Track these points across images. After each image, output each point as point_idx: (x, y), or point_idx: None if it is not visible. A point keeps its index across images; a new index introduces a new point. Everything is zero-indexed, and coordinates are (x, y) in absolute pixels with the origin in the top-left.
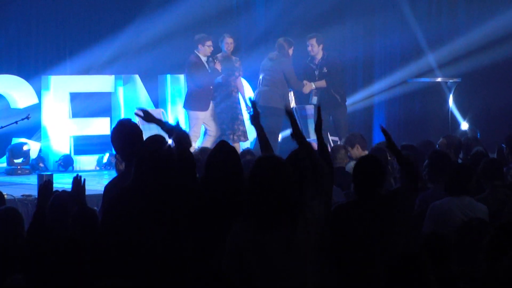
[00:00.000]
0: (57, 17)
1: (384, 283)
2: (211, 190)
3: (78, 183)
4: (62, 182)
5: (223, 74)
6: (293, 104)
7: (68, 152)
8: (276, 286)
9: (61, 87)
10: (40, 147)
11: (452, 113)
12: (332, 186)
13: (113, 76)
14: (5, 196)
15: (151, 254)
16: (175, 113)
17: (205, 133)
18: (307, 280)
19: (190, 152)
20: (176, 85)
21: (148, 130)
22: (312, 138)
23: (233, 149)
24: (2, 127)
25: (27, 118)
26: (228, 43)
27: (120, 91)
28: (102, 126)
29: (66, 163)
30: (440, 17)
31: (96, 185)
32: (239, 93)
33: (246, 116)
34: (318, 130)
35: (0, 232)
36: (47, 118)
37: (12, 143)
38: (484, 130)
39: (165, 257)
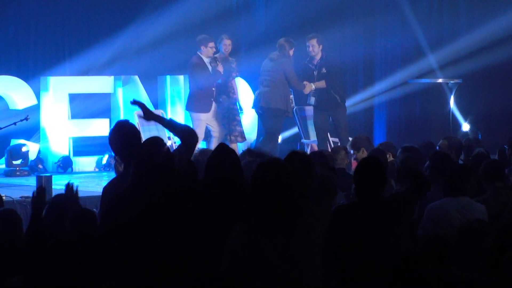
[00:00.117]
0: (56, 17)
1: (384, 285)
2: (211, 191)
3: (70, 190)
4: (61, 183)
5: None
6: (292, 104)
7: (67, 154)
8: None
9: (60, 88)
10: (39, 148)
11: (453, 114)
12: (336, 191)
13: (112, 77)
14: (4, 197)
15: (150, 256)
16: (175, 114)
17: (209, 134)
18: (306, 283)
19: (193, 163)
20: (176, 86)
21: (148, 132)
22: (312, 139)
23: (233, 151)
24: (1, 128)
25: (26, 119)
26: (226, 44)
27: (120, 92)
28: (101, 127)
29: (65, 164)
30: (441, 18)
31: (95, 186)
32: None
33: (242, 117)
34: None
35: None
36: (46, 119)
37: (11, 144)
38: (485, 131)
39: (164, 258)
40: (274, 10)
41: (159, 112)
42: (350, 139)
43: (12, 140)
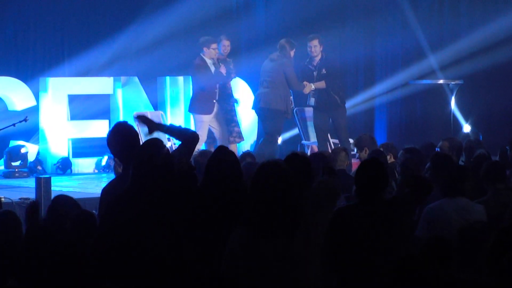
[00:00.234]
0: (56, 18)
1: (385, 286)
2: (211, 193)
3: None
4: (60, 185)
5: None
6: (292, 106)
7: (66, 155)
8: None
9: (59, 89)
10: (38, 150)
11: (454, 116)
12: (338, 194)
13: (112, 78)
14: (3, 199)
15: (150, 257)
16: (174, 115)
17: (211, 135)
18: (306, 284)
19: (191, 165)
20: (175, 87)
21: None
22: (312, 140)
23: (232, 153)
24: None
25: (25, 120)
26: (225, 45)
27: (119, 93)
28: (100, 129)
29: (64, 166)
30: (442, 18)
31: (94, 188)
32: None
33: (240, 117)
34: None
35: None
36: (45, 121)
37: (10, 145)
38: (486, 133)
39: (164, 260)
40: (274, 10)
41: (158, 113)
42: (351, 140)
43: (11, 141)
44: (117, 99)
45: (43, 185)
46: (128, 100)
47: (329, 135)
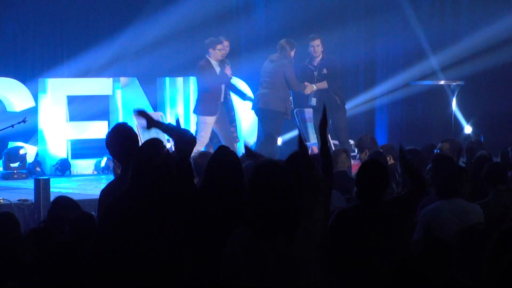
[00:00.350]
0: (55, 19)
1: (385, 287)
2: (211, 193)
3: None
4: (59, 186)
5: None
6: (291, 107)
7: (65, 156)
8: None
9: (58, 90)
10: (37, 151)
11: (455, 117)
12: (331, 191)
13: (111, 79)
14: (1, 201)
15: (149, 259)
16: (174, 116)
17: (214, 137)
18: (307, 284)
19: (189, 162)
20: (175, 88)
21: (147, 134)
22: (313, 142)
23: (233, 153)
24: None
25: (24, 121)
26: (224, 46)
27: (118, 94)
28: (100, 130)
29: (63, 167)
30: (443, 19)
31: (93, 189)
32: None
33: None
34: (323, 128)
35: None
36: (44, 122)
37: (9, 147)
38: (487, 134)
39: (163, 261)
40: (274, 11)
41: (158, 114)
42: (351, 141)
43: (9, 142)
44: (117, 100)
45: (42, 186)
46: (128, 101)
47: (329, 136)
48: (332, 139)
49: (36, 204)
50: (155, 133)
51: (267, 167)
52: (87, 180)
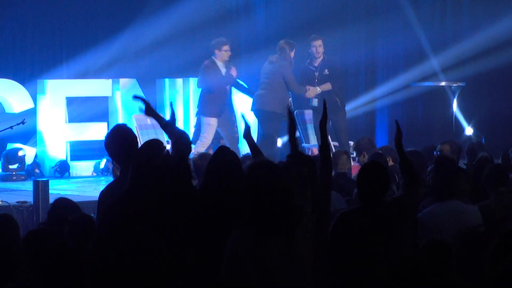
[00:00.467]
0: (54, 20)
1: None
2: (212, 195)
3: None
4: (58, 188)
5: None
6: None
7: (64, 158)
8: None
9: (57, 92)
10: (36, 153)
11: (456, 118)
12: (331, 192)
13: (110, 80)
14: (0, 202)
15: (149, 259)
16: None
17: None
18: (307, 284)
19: (188, 163)
20: (174, 89)
21: (147, 135)
22: (313, 143)
23: (234, 153)
24: None
25: (23, 123)
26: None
27: (118, 95)
28: (99, 131)
29: (62, 169)
30: (444, 20)
31: (93, 191)
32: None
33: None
34: (323, 124)
35: None
36: (43, 123)
37: (7, 148)
38: (488, 135)
39: (163, 262)
40: (274, 12)
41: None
42: (351, 142)
43: (8, 144)
44: (116, 102)
45: (41, 188)
46: (127, 103)
47: (329, 137)
48: (332, 141)
49: (35, 206)
50: (154, 134)
51: (257, 167)
52: (86, 182)
